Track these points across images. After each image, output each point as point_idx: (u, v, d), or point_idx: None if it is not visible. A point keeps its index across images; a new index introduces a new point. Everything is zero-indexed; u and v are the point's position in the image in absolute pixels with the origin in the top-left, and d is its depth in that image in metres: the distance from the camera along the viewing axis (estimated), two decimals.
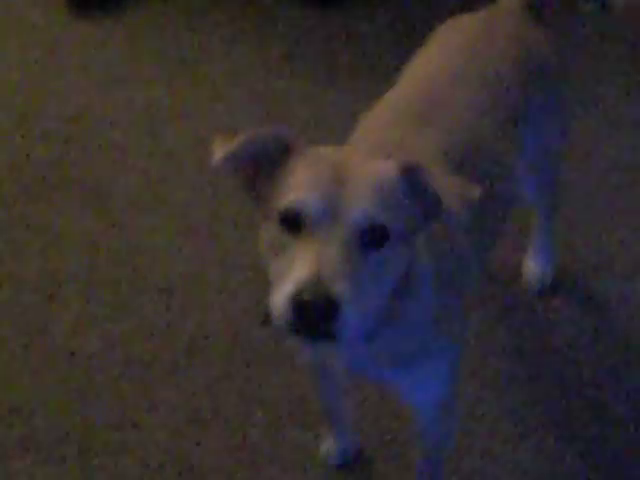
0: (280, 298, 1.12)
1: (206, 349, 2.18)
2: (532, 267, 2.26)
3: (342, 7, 3.09)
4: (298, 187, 1.20)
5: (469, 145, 1.64)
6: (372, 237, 1.17)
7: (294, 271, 1.14)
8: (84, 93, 2.81)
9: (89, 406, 2.03)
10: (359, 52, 2.93)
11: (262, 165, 1.28)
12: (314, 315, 1.10)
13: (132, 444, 1.96)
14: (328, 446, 1.98)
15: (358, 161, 1.24)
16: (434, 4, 3.08)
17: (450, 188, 1.24)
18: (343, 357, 1.47)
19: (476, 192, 1.26)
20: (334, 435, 1.99)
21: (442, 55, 1.79)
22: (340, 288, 1.11)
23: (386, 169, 1.23)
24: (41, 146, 2.65)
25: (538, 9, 1.90)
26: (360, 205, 1.18)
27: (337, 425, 1.98)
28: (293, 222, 1.18)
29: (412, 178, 1.24)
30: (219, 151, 1.26)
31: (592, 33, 2.97)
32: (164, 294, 2.26)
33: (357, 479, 1.99)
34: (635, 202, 2.51)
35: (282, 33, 3.05)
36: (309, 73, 2.85)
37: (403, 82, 1.75)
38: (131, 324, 2.18)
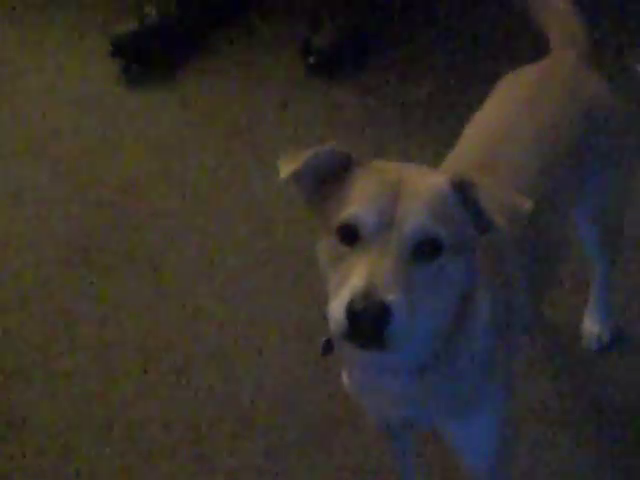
0: (336, 306, 1.16)
1: (264, 415, 2.18)
2: (590, 324, 2.22)
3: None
4: (355, 201, 1.24)
5: (532, 195, 1.55)
6: (425, 249, 1.21)
7: (349, 281, 1.17)
8: (138, 161, 2.86)
9: (150, 473, 2.03)
10: (409, 115, 2.96)
11: (324, 180, 1.32)
12: (367, 322, 1.13)
13: None
14: None
15: (413, 175, 1.27)
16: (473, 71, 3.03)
17: (500, 202, 1.26)
18: (398, 402, 1.48)
19: (527, 206, 1.28)
20: None
21: (503, 108, 1.81)
22: (392, 297, 1.14)
23: (439, 183, 1.27)
24: (97, 214, 2.69)
25: (595, 58, 1.91)
26: (413, 217, 1.21)
27: None
28: (350, 234, 1.21)
29: (464, 191, 1.26)
30: (285, 168, 1.30)
31: None
32: (222, 360, 2.27)
33: None
34: None
35: (331, 101, 3.06)
36: (358, 139, 2.84)
37: (467, 136, 1.78)
38: (189, 391, 2.18)
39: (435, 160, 1.74)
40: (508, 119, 1.76)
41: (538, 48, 1.96)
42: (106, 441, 2.08)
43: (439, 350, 1.37)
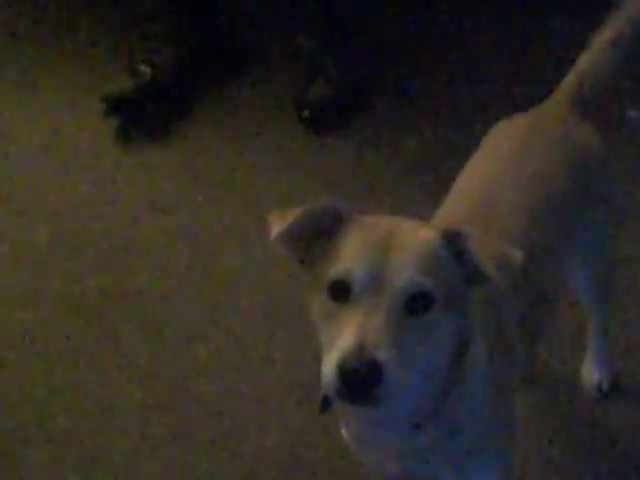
0: (327, 366, 1.17)
1: (267, 470, 2.16)
2: (589, 372, 2.22)
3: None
4: (345, 258, 1.26)
5: (526, 248, 1.57)
6: (416, 303, 1.22)
7: (340, 339, 1.18)
8: (136, 220, 2.85)
9: None
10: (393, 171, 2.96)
11: (315, 236, 1.34)
12: (359, 381, 1.14)
13: None
14: None
15: (403, 229, 1.29)
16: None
17: (491, 254, 1.28)
18: (397, 457, 1.48)
19: (518, 257, 1.29)
20: None
21: (493, 159, 1.83)
22: (383, 354, 1.15)
23: (429, 236, 1.28)
24: (95, 275, 2.68)
25: (585, 105, 1.92)
26: (404, 272, 1.22)
27: None
28: (341, 291, 1.23)
29: (455, 244, 1.28)
30: (276, 226, 1.31)
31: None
32: (222, 417, 2.25)
33: None
34: None
35: (325, 153, 3.05)
36: (352, 189, 2.86)
37: (458, 188, 1.80)
38: (189, 447, 2.17)
39: (428, 209, 1.77)
40: (498, 170, 1.78)
41: (531, 96, 1.97)
42: None
43: (436, 403, 1.36)
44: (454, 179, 1.81)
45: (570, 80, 1.91)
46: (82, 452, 2.17)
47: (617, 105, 3.01)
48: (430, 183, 2.72)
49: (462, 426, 1.44)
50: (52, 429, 2.21)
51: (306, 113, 3.01)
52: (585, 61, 1.92)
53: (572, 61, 1.94)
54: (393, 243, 1.26)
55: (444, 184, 1.85)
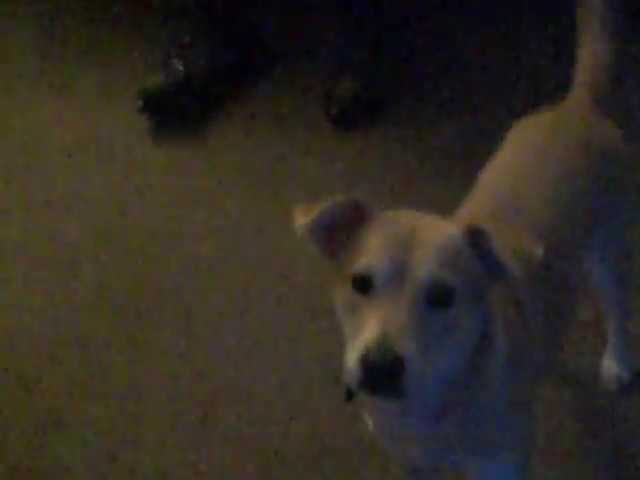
0: (351, 358, 1.19)
1: (292, 459, 2.19)
2: (608, 367, 2.24)
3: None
4: (369, 252, 1.27)
5: (548, 241, 1.59)
6: (438, 296, 1.24)
7: (363, 332, 1.20)
8: (166, 212, 2.90)
9: None
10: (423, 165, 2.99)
11: (339, 230, 1.36)
12: (381, 374, 1.16)
13: None
14: None
15: (426, 225, 1.31)
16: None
17: (513, 249, 1.29)
18: (420, 444, 1.51)
19: (539, 251, 1.31)
20: None
21: (516, 156, 1.85)
22: (405, 347, 1.17)
23: (451, 232, 1.30)
24: (127, 262, 2.72)
25: (605, 100, 1.94)
26: (425, 266, 1.24)
27: None
28: (364, 284, 1.25)
29: (476, 239, 1.29)
30: (301, 219, 1.34)
31: None
32: (249, 405, 2.28)
33: None
34: None
35: (353, 149, 3.08)
36: (379, 186, 2.88)
37: (483, 183, 1.82)
38: (217, 434, 2.20)
39: (453, 205, 1.77)
40: (521, 166, 1.80)
41: (554, 95, 1.97)
42: None
43: (457, 393, 1.39)
44: (478, 175, 1.83)
45: (584, 77, 1.94)
46: (112, 438, 2.20)
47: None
48: (456, 179, 2.69)
49: (482, 416, 1.46)
50: (84, 416, 2.26)
51: (334, 110, 3.05)
52: (587, 55, 1.96)
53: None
54: (416, 238, 1.27)
55: (469, 180, 1.86)
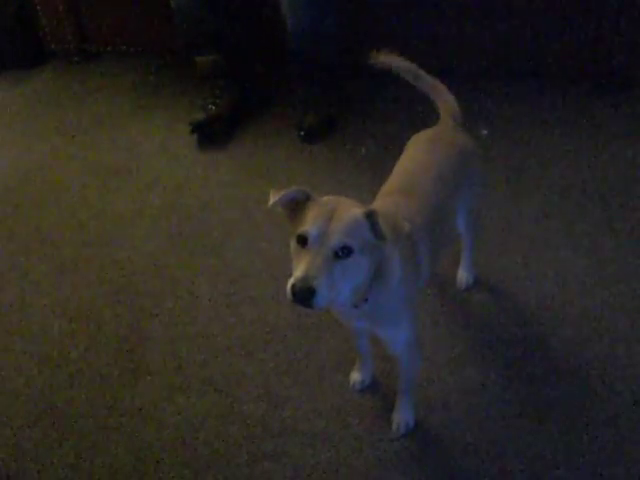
0: (288, 285, 1.41)
1: (246, 341, 2.51)
2: (461, 274, 2.62)
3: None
4: (307, 222, 1.48)
5: (432, 205, 1.91)
6: (342, 252, 1.47)
7: (296, 271, 1.43)
8: (206, 195, 3.36)
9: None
10: (362, 163, 3.42)
11: (294, 206, 1.57)
12: (300, 296, 1.40)
13: None
14: (355, 379, 2.31)
15: (343, 207, 1.51)
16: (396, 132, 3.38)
17: (388, 225, 1.48)
18: (352, 319, 1.79)
19: (406, 227, 1.53)
20: (359, 372, 2.29)
21: (413, 156, 2.07)
22: (317, 282, 1.40)
23: (356, 213, 1.51)
24: (184, 221, 3.15)
25: (462, 125, 2.21)
26: (336, 234, 1.46)
27: (362, 365, 2.28)
28: (302, 241, 1.48)
29: (371, 219, 1.50)
30: (272, 198, 1.56)
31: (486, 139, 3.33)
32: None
33: (371, 398, 2.30)
34: (521, 235, 2.84)
35: (314, 158, 3.52)
36: (328, 180, 3.30)
37: (394, 173, 2.03)
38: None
39: (376, 190, 2.00)
40: (417, 160, 2.04)
41: (432, 120, 2.27)
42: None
43: (365, 294, 1.63)
44: (392, 170, 2.06)
45: (445, 111, 2.22)
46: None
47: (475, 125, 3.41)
48: (376, 173, 2.81)
49: (384, 306, 1.70)
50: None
51: (302, 133, 3.58)
52: (441, 102, 2.25)
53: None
54: (334, 215, 1.48)
55: (385, 174, 2.07)
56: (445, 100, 2.21)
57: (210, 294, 2.74)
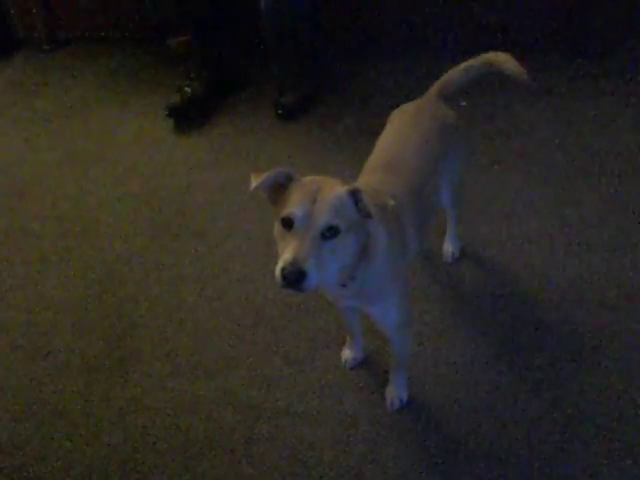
0: (277, 269, 1.40)
1: (237, 318, 2.54)
2: (447, 247, 2.65)
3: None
4: (291, 204, 1.47)
5: (416, 180, 1.91)
6: (329, 232, 1.45)
7: (284, 254, 1.41)
8: (184, 176, 3.37)
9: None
10: (344, 140, 3.44)
11: (276, 188, 1.56)
12: (291, 279, 1.38)
13: None
14: (346, 356, 2.33)
15: (326, 186, 1.50)
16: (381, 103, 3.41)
17: (372, 202, 1.47)
18: (341, 298, 1.79)
19: (390, 203, 1.51)
20: (350, 349, 2.31)
21: (395, 130, 2.06)
22: (307, 265, 1.38)
23: (340, 191, 1.50)
24: (164, 202, 3.17)
25: (445, 98, 2.21)
26: (322, 215, 1.44)
27: (353, 342, 2.30)
28: (288, 223, 1.45)
29: (355, 197, 1.50)
30: (254, 181, 1.54)
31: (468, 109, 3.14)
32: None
33: (363, 375, 2.32)
34: (504, 205, 2.88)
35: (292, 135, 3.54)
36: (310, 157, 3.31)
37: (376, 149, 2.02)
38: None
39: (358, 166, 2.02)
40: (399, 135, 2.03)
41: (416, 94, 2.27)
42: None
43: (353, 273, 1.62)
44: (373, 144, 2.06)
45: (437, 85, 2.21)
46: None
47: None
48: (357, 147, 3.14)
49: (371, 283, 1.69)
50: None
51: (280, 112, 3.62)
52: (447, 76, 2.21)
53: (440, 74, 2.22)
54: (318, 196, 1.47)
55: (368, 149, 2.08)
56: (448, 75, 2.23)
57: (196, 278, 2.76)
